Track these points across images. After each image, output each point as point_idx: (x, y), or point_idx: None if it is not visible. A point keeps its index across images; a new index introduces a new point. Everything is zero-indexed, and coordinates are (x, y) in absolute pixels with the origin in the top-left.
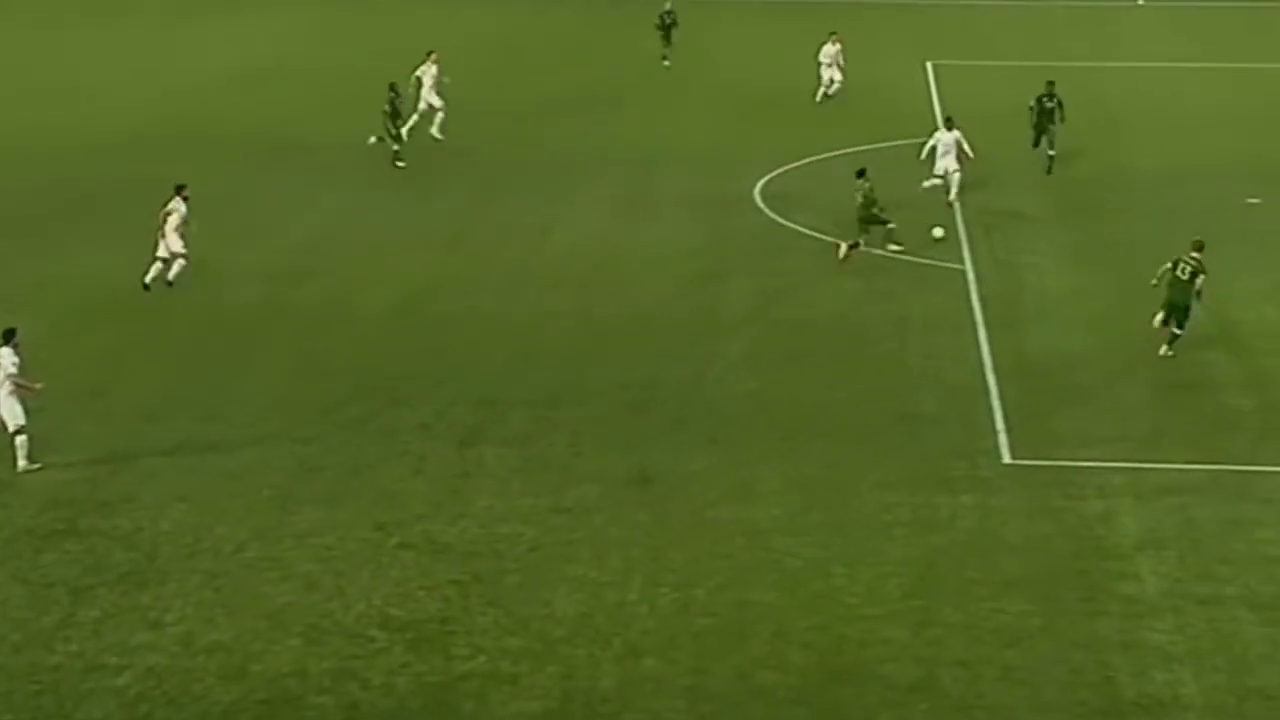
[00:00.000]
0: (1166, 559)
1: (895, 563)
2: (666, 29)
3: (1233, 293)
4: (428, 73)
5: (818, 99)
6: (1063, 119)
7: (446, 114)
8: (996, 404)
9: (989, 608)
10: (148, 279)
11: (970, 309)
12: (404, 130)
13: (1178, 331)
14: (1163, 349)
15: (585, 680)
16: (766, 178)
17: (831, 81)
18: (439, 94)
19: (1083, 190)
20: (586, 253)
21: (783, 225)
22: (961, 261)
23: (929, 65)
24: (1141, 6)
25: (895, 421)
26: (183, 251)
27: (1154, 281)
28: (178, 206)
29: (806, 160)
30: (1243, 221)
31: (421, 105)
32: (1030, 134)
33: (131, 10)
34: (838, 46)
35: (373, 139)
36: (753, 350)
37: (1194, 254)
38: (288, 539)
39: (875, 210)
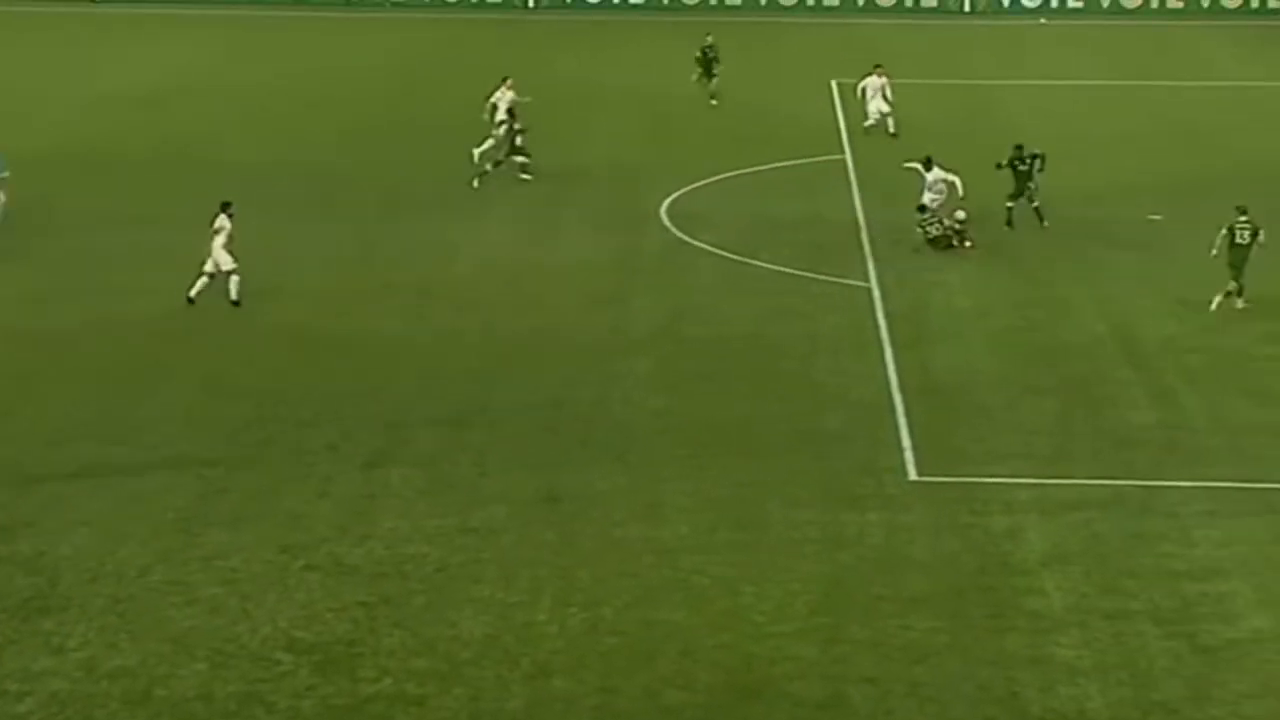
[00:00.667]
0: (1072, 574)
1: (803, 580)
2: (708, 64)
3: (1134, 308)
4: (503, 98)
5: (865, 129)
6: (1042, 169)
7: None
8: (903, 422)
9: (896, 624)
10: (192, 293)
11: (877, 327)
12: (520, 144)
13: (1240, 283)
14: (1239, 303)
15: (493, 701)
16: (673, 195)
17: (879, 114)
18: (514, 119)
19: (984, 206)
20: (493, 271)
21: (689, 243)
22: (868, 279)
23: (834, 84)
24: (1045, 25)
25: (803, 439)
26: (232, 266)
27: (1214, 251)
28: (224, 223)
29: (713, 178)
30: (1145, 238)
31: (498, 131)
32: (1008, 186)
33: (36, 29)
34: (884, 79)
35: (489, 166)
36: (660, 368)
37: (1243, 218)
38: (193, 562)
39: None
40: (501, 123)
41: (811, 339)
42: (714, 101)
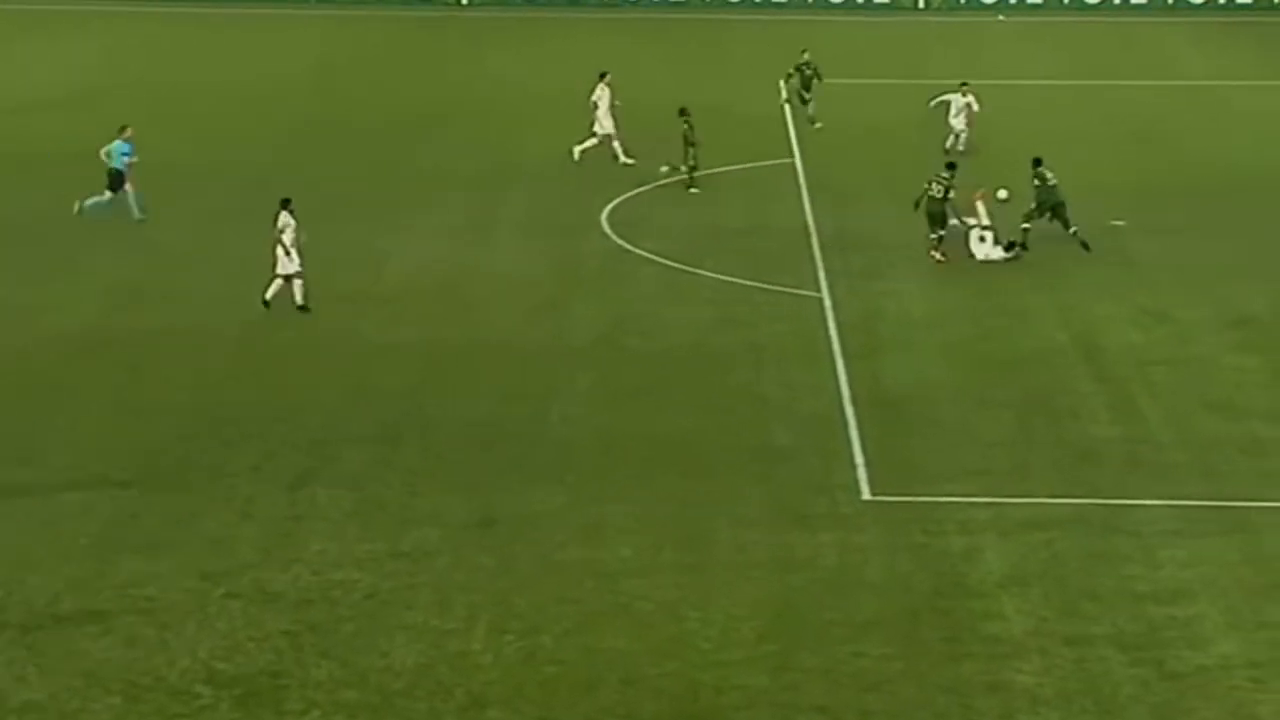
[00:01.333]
0: (1032, 597)
1: (751, 604)
2: (806, 83)
3: (1096, 316)
4: (602, 96)
5: (946, 149)
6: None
7: (613, 142)
8: (855, 437)
9: (849, 650)
10: (268, 295)
11: (827, 337)
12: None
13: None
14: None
15: None
16: (614, 202)
17: (958, 135)
18: (614, 118)
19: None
20: (426, 281)
21: (631, 251)
22: (818, 288)
23: (783, 85)
24: (1003, 22)
25: (750, 456)
26: (296, 269)
27: None
28: (288, 221)
29: (657, 183)
30: (1107, 243)
31: (598, 129)
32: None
33: None
34: (968, 99)
35: (664, 168)
36: (601, 382)
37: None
38: (106, 590)
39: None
40: (598, 132)
41: (759, 350)
42: (818, 125)
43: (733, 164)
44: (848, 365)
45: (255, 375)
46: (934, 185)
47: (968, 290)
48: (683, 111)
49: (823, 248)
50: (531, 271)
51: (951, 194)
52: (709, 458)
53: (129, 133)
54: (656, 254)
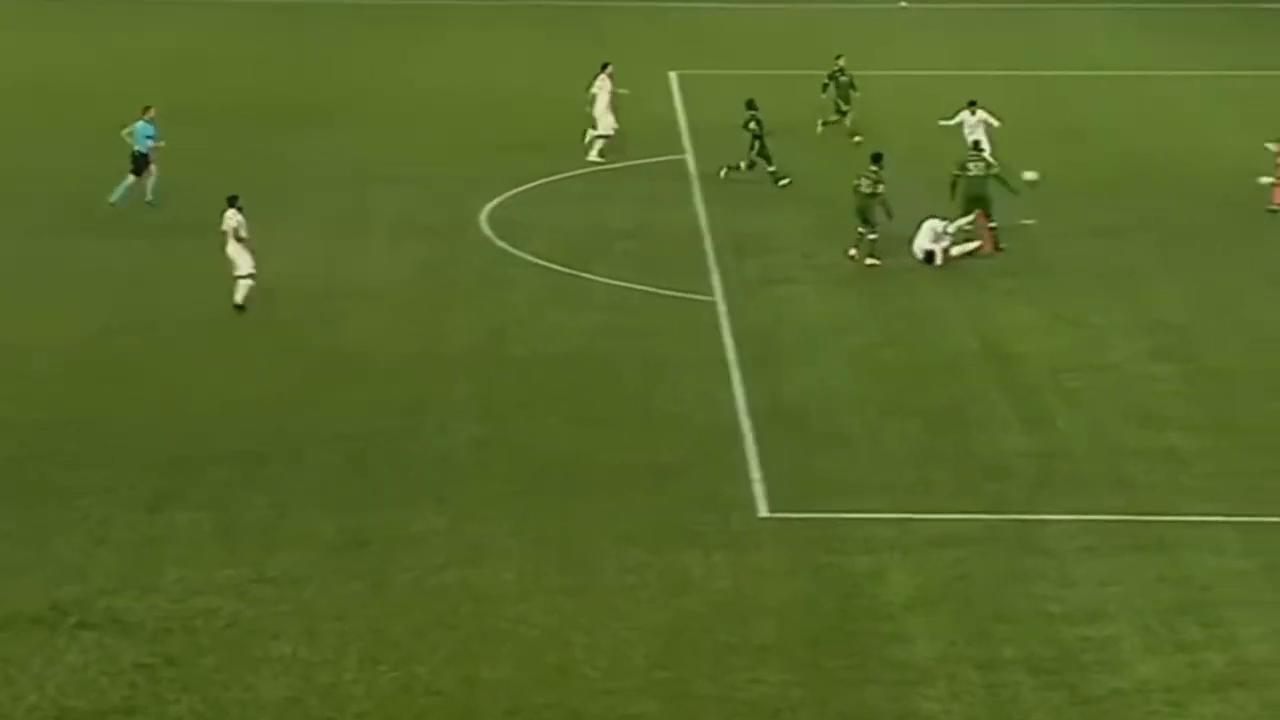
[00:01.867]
0: (939, 619)
1: (642, 629)
2: (844, 91)
3: (1007, 322)
4: (603, 88)
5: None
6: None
7: (613, 138)
8: (752, 451)
9: (746, 678)
10: (238, 299)
11: (722, 345)
12: (765, 151)
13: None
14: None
15: None
16: (494, 202)
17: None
18: (613, 112)
19: (839, 210)
20: (292, 287)
21: (513, 254)
22: (712, 293)
23: (674, 76)
24: (906, 9)
25: (640, 472)
26: (249, 270)
27: None
28: (239, 220)
29: (539, 182)
30: (1018, 244)
31: (602, 124)
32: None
33: None
34: (981, 115)
35: (723, 171)
36: (480, 394)
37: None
38: None
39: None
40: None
41: (650, 359)
42: (858, 139)
43: (621, 161)
44: (744, 375)
45: (106, 392)
46: (863, 180)
47: (873, 295)
48: (750, 105)
49: (718, 250)
50: (405, 276)
51: (881, 189)
52: (596, 474)
53: (151, 113)
54: (540, 257)
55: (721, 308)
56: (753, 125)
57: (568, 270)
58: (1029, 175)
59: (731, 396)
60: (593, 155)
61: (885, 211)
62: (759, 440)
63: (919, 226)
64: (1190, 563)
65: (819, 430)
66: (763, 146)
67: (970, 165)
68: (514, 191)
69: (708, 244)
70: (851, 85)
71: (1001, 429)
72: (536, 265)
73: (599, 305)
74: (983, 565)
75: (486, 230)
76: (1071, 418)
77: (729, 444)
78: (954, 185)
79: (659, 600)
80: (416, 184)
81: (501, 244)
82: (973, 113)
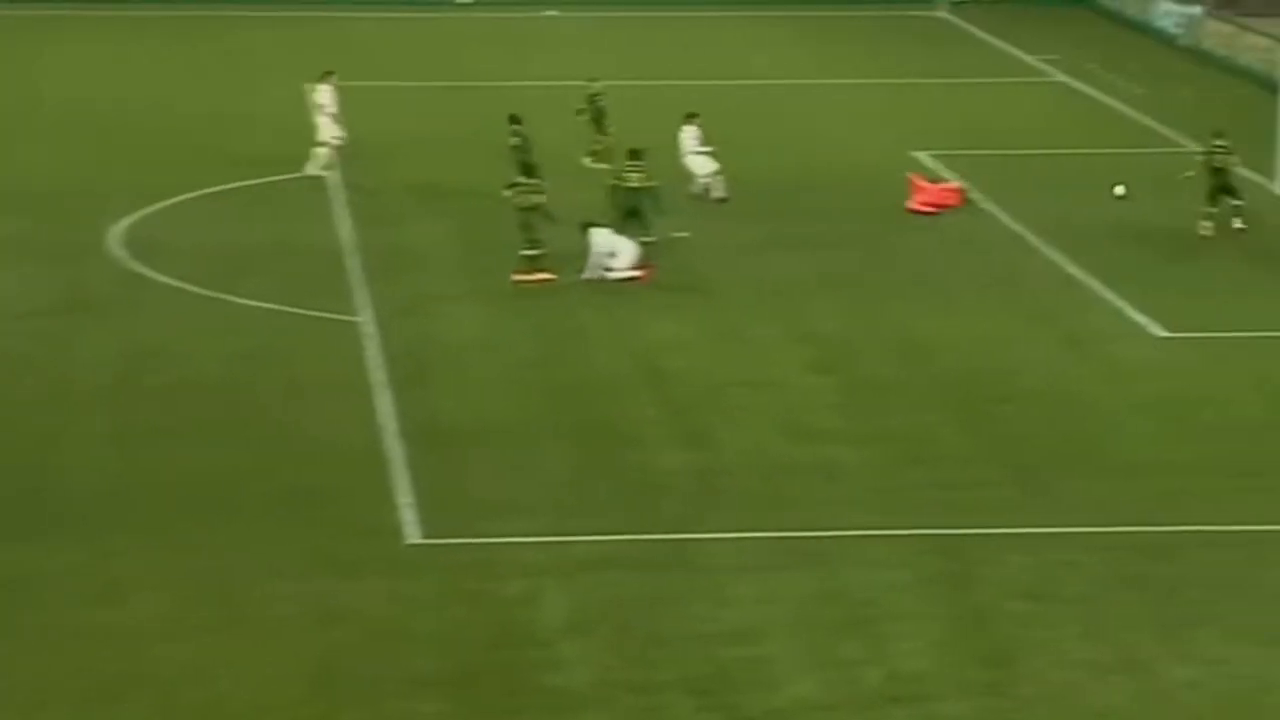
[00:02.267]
0: (595, 643)
1: (289, 663)
2: (599, 117)
3: (662, 337)
4: (325, 97)
5: (692, 194)
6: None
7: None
8: (403, 475)
9: (400, 709)
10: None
11: (370, 366)
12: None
13: (1237, 202)
14: (1237, 223)
15: None
16: (124, 221)
17: (708, 174)
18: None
19: (495, 225)
20: None
21: (146, 277)
22: (359, 312)
23: (310, 88)
24: (556, 18)
25: (285, 498)
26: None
27: (1189, 173)
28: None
29: (173, 200)
30: (674, 258)
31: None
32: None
33: None
34: (695, 128)
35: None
36: (115, 424)
37: (1217, 142)
38: None
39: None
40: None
41: (295, 384)
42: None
43: (257, 176)
44: (396, 396)
45: None
46: (631, 176)
47: (528, 313)
48: (513, 119)
49: (364, 268)
50: (26, 303)
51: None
52: (242, 504)
53: None
54: (176, 279)
55: (370, 328)
56: (515, 140)
57: (208, 293)
58: (1119, 190)
59: (381, 419)
60: (313, 169)
61: (549, 217)
62: (411, 464)
63: (590, 238)
64: (847, 577)
65: (472, 452)
66: (527, 165)
67: (629, 175)
68: (148, 210)
69: (357, 262)
70: (605, 112)
71: (659, 447)
72: (172, 288)
73: (242, 329)
74: (639, 587)
75: (117, 252)
76: (729, 434)
77: (380, 469)
78: (611, 193)
79: (307, 632)
80: (34, 204)
81: (134, 266)
82: (692, 126)
